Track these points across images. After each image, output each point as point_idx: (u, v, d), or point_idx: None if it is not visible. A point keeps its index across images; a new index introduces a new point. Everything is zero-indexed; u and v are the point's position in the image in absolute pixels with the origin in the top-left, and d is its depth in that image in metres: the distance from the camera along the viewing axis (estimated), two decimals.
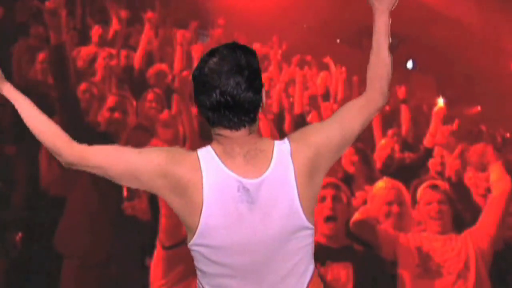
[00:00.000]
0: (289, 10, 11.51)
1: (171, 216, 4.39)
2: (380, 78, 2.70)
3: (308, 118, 7.30)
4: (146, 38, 7.79)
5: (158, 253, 4.48)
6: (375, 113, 2.69)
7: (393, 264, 4.92)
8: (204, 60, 2.44)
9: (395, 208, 5.03)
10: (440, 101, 7.21)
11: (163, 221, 4.46)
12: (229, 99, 2.38)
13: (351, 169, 6.05)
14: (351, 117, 2.62)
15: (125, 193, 4.77)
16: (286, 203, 2.43)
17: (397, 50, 13.92)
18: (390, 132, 7.33)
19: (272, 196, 2.42)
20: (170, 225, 4.41)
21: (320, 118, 6.44)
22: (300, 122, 7.52)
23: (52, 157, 5.17)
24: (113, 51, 7.03)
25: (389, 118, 8.05)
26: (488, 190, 5.65)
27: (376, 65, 2.71)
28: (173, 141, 5.32)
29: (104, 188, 4.87)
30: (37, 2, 7.19)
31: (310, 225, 2.48)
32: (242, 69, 2.40)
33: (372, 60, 2.73)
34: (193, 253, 2.53)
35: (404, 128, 7.98)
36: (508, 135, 8.79)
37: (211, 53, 2.45)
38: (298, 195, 2.43)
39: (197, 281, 2.63)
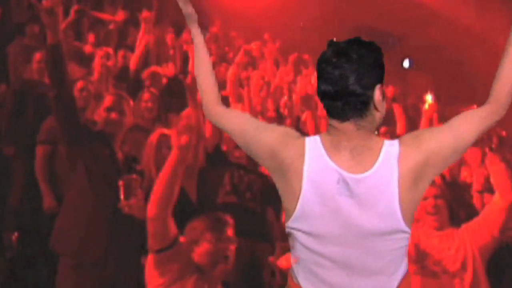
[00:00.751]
0: (285, 9, 11.53)
1: (157, 219, 4.40)
2: (509, 92, 2.61)
3: (303, 117, 7.31)
4: (143, 38, 7.79)
5: (150, 257, 4.48)
6: (492, 126, 2.63)
7: None
8: (323, 51, 2.53)
9: None
10: (429, 98, 7.19)
11: (149, 224, 4.46)
12: (331, 89, 2.45)
13: None
14: (468, 128, 2.58)
15: (121, 191, 4.76)
16: (385, 204, 2.44)
17: (394, 49, 13.94)
18: (382, 129, 7.33)
19: (372, 195, 2.44)
20: (156, 229, 4.42)
21: (315, 118, 6.45)
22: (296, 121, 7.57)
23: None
24: (110, 50, 7.04)
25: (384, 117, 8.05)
26: (484, 186, 5.65)
27: (507, 77, 2.60)
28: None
29: (101, 186, 4.88)
30: (35, 0, 7.21)
31: (406, 229, 2.49)
32: (351, 62, 2.45)
33: (504, 70, 2.61)
34: (289, 237, 2.61)
35: (399, 127, 8.00)
36: (504, 133, 8.78)
37: (330, 44, 2.53)
38: (399, 198, 2.44)
39: (290, 269, 2.67)
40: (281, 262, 4.72)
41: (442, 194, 4.99)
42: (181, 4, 2.88)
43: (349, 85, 2.43)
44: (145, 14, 7.95)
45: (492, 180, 5.12)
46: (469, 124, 2.57)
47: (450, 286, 4.87)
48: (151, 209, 4.42)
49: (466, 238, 4.94)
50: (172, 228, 4.44)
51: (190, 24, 2.89)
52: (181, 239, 4.46)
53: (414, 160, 2.47)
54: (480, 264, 4.93)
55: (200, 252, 4.43)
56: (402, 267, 2.56)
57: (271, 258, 5.00)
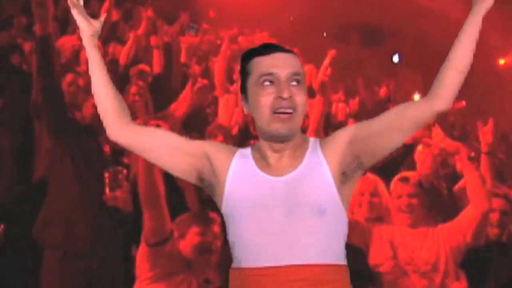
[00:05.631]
0: (276, 2, 11.56)
1: (155, 218, 4.48)
2: (456, 85, 2.32)
3: None
4: (138, 34, 7.84)
5: (143, 248, 4.54)
6: (430, 119, 2.34)
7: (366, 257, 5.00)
8: None
9: (366, 198, 5.09)
10: (416, 97, 7.29)
11: (146, 222, 4.53)
12: None
13: None
14: (398, 117, 2.36)
15: (107, 183, 4.80)
16: None
17: (384, 43, 13.98)
18: None
19: None
20: (154, 226, 4.50)
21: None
22: None
23: None
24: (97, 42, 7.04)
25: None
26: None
27: (456, 68, 2.32)
28: None
29: (87, 179, 4.91)
30: None
31: None
32: None
33: (455, 59, 2.33)
34: None
35: None
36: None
37: None
38: None
39: None
40: None
41: (417, 193, 5.04)
42: (78, 18, 2.49)
43: None
44: (149, 12, 8.03)
45: (467, 189, 5.17)
46: (402, 113, 2.35)
47: (420, 286, 4.93)
48: (144, 208, 4.51)
49: (440, 238, 4.99)
50: (168, 224, 4.50)
51: (86, 39, 2.49)
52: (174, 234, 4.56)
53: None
54: (452, 266, 4.98)
55: (187, 244, 4.50)
56: None
57: None
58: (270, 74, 2.31)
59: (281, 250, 2.26)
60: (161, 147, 2.44)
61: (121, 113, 2.48)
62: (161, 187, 4.53)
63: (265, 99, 2.30)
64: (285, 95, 2.28)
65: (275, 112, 2.29)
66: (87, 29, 2.49)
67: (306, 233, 2.27)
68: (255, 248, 2.29)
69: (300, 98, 2.32)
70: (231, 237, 2.36)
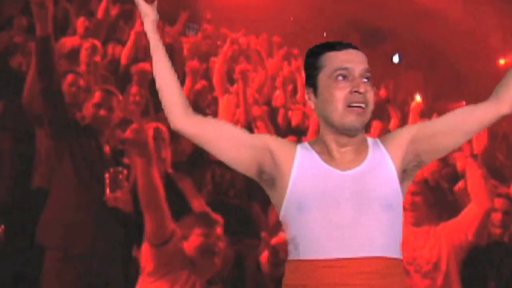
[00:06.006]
0: (276, 2, 11.57)
1: (156, 220, 4.48)
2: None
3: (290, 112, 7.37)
4: (135, 33, 7.81)
5: (146, 247, 4.54)
6: (494, 121, 2.47)
7: None
8: None
9: None
10: (417, 97, 7.37)
11: (147, 225, 4.54)
12: None
13: None
14: (466, 117, 2.46)
15: (107, 184, 4.79)
16: None
17: (384, 44, 13.98)
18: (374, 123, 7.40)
19: None
20: (155, 228, 4.50)
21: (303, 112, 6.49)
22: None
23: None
24: (97, 42, 7.03)
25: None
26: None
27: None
28: None
29: (87, 180, 4.90)
30: None
31: None
32: None
33: None
34: None
35: (393, 123, 8.09)
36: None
37: None
38: None
39: None
40: None
41: (420, 191, 5.03)
42: (141, 2, 2.55)
43: None
44: None
45: (468, 186, 5.16)
46: (467, 114, 2.46)
47: (422, 286, 4.91)
48: (144, 211, 4.51)
49: (442, 237, 4.99)
50: (170, 225, 4.51)
51: (150, 25, 2.53)
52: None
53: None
54: (453, 265, 4.97)
55: (190, 246, 4.49)
56: None
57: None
58: (345, 68, 2.38)
59: (349, 243, 2.31)
60: (225, 139, 2.48)
61: (186, 103, 2.52)
62: (161, 190, 4.53)
63: (340, 93, 2.36)
64: (362, 89, 2.35)
65: (349, 105, 2.36)
66: (151, 13, 2.54)
67: (374, 226, 2.33)
68: (323, 240, 2.32)
69: (371, 95, 2.40)
70: (295, 229, 2.38)
